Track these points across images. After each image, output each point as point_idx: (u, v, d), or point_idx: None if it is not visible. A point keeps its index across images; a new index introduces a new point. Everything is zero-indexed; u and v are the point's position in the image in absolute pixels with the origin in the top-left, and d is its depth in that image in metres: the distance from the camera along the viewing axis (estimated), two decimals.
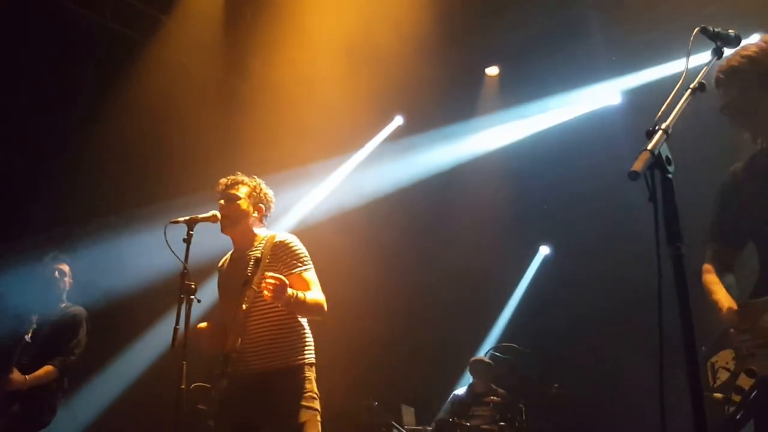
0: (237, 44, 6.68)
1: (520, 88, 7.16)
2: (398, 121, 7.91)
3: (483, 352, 7.56)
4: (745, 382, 2.35)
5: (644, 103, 6.15)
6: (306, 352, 3.31)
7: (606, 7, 5.80)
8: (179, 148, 6.26)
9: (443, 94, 7.18)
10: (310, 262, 3.37)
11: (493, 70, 7.40)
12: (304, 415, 3.15)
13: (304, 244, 3.42)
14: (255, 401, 3.17)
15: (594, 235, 7.49)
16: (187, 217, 3.30)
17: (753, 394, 2.32)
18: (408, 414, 6.81)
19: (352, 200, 7.36)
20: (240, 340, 3.17)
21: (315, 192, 7.46)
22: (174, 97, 6.28)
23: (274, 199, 3.61)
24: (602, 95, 6.88)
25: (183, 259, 3.14)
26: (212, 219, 3.36)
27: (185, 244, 3.18)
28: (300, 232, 3.57)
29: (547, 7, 6.14)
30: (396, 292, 7.85)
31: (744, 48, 2.39)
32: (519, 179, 8.05)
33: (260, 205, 3.51)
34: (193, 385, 3.14)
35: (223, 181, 3.52)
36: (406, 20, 6.22)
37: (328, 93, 6.72)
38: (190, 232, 3.23)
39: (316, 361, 3.38)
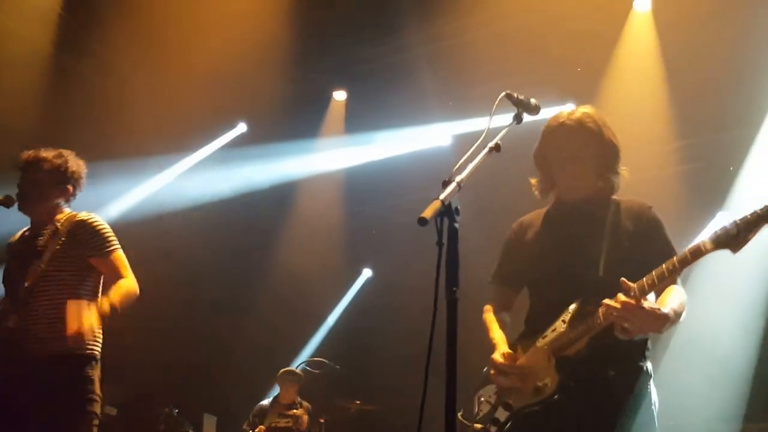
0: (77, 22, 6.30)
1: (364, 116, 7.46)
2: (241, 128, 7.84)
3: (296, 364, 7.63)
4: (501, 414, 2.53)
5: (470, 149, 6.66)
6: (91, 342, 3.02)
7: (437, 58, 6.30)
8: None
9: (289, 109, 7.27)
10: (117, 242, 3.14)
11: (340, 95, 7.66)
12: (79, 418, 2.94)
13: (120, 240, 3.20)
14: (28, 391, 2.88)
15: (410, 264, 7.89)
16: None
17: (507, 425, 2.50)
18: (209, 423, 6.71)
19: (178, 202, 7.14)
20: (18, 319, 2.90)
21: (140, 188, 7.14)
22: None
23: (84, 179, 3.26)
24: (435, 135, 7.35)
25: None
26: (4, 202, 3.07)
27: None
28: (118, 228, 3.38)
29: (392, 46, 6.51)
30: (208, 297, 7.72)
31: (575, 111, 2.61)
32: (351, 202, 8.32)
33: (67, 185, 3.17)
34: None
35: (24, 155, 3.15)
36: (260, 30, 6.27)
37: (168, 88, 6.55)
38: None
39: (112, 362, 3.20)
